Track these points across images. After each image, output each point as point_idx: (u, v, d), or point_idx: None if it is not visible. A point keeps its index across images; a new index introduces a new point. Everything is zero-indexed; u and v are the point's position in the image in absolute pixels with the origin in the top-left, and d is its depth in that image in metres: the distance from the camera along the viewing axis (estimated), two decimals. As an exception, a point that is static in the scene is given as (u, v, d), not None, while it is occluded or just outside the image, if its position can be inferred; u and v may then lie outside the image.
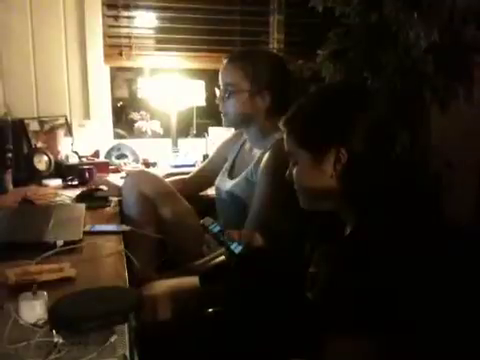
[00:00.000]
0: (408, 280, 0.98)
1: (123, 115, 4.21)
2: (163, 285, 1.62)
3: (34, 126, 2.60)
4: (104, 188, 2.02)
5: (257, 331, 1.27)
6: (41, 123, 2.64)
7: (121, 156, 2.76)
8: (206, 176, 2.10)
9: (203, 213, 1.89)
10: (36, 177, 2.34)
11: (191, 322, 1.44)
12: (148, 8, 3.09)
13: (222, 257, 1.37)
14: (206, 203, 2.07)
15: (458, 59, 2.27)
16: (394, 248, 0.99)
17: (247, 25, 3.21)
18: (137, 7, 3.04)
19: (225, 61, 1.83)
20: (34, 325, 0.95)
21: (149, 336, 1.30)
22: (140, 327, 1.14)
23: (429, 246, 1.05)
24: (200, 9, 3.07)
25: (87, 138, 2.81)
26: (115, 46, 2.99)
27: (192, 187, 2.13)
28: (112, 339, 0.90)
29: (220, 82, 1.84)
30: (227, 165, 1.99)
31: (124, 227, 1.63)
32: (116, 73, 4.04)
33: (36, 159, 2.38)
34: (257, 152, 1.82)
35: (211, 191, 2.11)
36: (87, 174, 2.31)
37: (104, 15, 2.92)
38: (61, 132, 2.66)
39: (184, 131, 3.31)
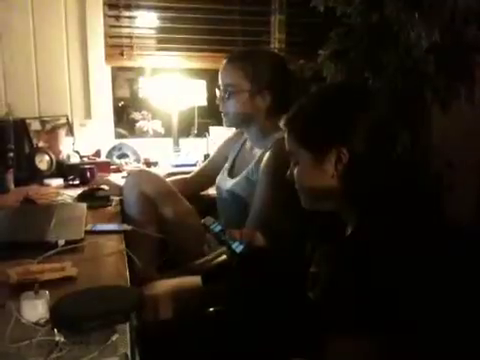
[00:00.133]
0: (409, 280, 0.98)
1: (124, 115, 4.21)
2: (164, 285, 1.62)
3: (35, 126, 2.60)
4: (105, 188, 2.02)
5: (258, 330, 1.27)
6: (42, 123, 2.64)
7: (122, 156, 2.76)
8: (207, 175, 2.11)
9: (204, 212, 1.89)
10: (37, 177, 2.35)
11: (192, 321, 1.44)
12: (149, 8, 3.09)
13: (224, 256, 1.37)
14: (207, 202, 2.08)
15: (459, 59, 2.27)
16: (395, 248, 0.99)
17: (248, 25, 3.21)
18: (138, 7, 3.04)
19: (225, 61, 1.83)
20: (36, 324, 0.95)
21: (150, 335, 1.30)
22: (141, 326, 1.14)
23: (430, 246, 1.05)
24: (201, 9, 3.07)
25: (88, 138, 2.82)
26: (116, 46, 2.99)
27: (193, 187, 2.13)
28: (113, 338, 0.90)
29: (220, 82, 1.84)
30: (228, 164, 1.99)
31: (125, 226, 1.63)
32: (117, 73, 4.04)
33: (37, 159, 2.38)
34: (258, 151, 1.82)
35: (212, 190, 2.11)
36: (88, 174, 2.32)
37: (105, 15, 2.92)
38: (62, 132, 2.66)
39: (185, 131, 3.31)
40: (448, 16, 2.19)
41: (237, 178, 1.84)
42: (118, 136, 3.23)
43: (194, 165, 2.63)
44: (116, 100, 3.71)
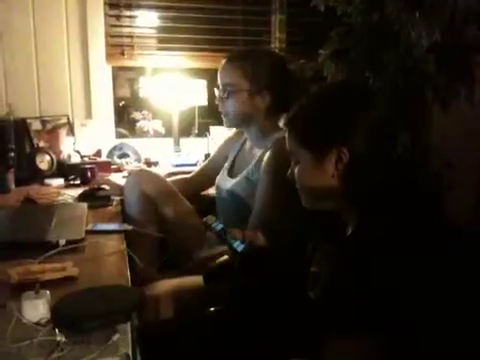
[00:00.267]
0: (409, 280, 0.98)
1: (125, 114, 4.22)
2: (165, 284, 1.62)
3: (36, 125, 2.60)
4: (106, 187, 2.02)
5: (259, 330, 1.27)
6: (43, 122, 2.64)
7: (123, 155, 2.76)
8: (207, 175, 2.11)
9: (204, 212, 1.89)
10: (38, 176, 2.35)
11: (193, 321, 1.44)
12: (150, 7, 3.09)
13: (226, 256, 1.37)
14: (207, 202, 2.08)
15: (459, 59, 2.27)
16: (395, 248, 0.99)
17: (249, 25, 3.21)
18: (139, 6, 3.05)
19: (224, 61, 1.83)
20: (37, 324, 0.95)
21: (151, 335, 1.30)
22: (142, 326, 1.14)
23: (430, 246, 1.05)
24: (202, 9, 3.07)
25: (89, 137, 2.81)
26: (117, 45, 2.99)
27: (193, 186, 2.13)
28: (114, 338, 0.90)
29: (219, 82, 1.84)
30: (227, 164, 1.99)
31: (126, 226, 1.63)
32: (118, 72, 4.04)
33: (38, 158, 2.38)
34: (258, 151, 1.82)
35: (212, 190, 2.11)
36: (89, 173, 2.32)
37: (106, 14, 2.92)
38: (63, 131, 2.67)
39: (186, 130, 3.32)
40: (448, 16, 2.19)
41: (237, 178, 1.85)
42: (119, 136, 3.23)
43: (195, 165, 2.63)
44: (117, 100, 3.71)
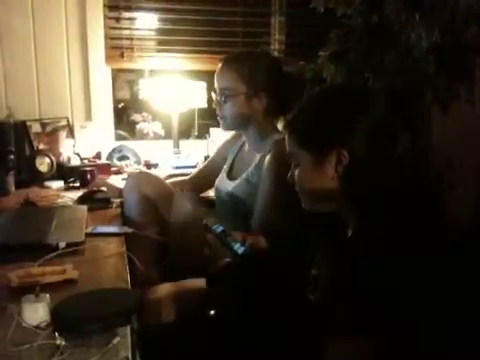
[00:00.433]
0: (409, 281, 0.98)
1: (124, 117, 4.22)
2: (166, 288, 1.62)
3: (36, 128, 2.60)
4: (104, 189, 2.02)
5: (259, 333, 1.27)
6: (43, 125, 2.64)
7: (123, 158, 2.76)
8: (206, 177, 2.10)
9: (204, 214, 1.89)
10: (38, 179, 2.35)
11: (194, 324, 1.44)
12: (149, 10, 3.10)
13: (227, 259, 1.37)
14: (206, 204, 2.07)
15: (459, 60, 2.28)
16: (395, 249, 0.99)
17: (248, 26, 3.21)
18: (138, 9, 3.05)
19: (220, 65, 1.82)
20: (37, 327, 0.95)
21: (151, 338, 1.30)
22: (142, 329, 1.14)
23: (430, 246, 1.05)
24: (201, 10, 3.08)
25: (89, 140, 2.82)
26: (116, 48, 3.00)
27: (192, 188, 2.12)
28: (115, 341, 0.90)
29: (216, 86, 1.84)
30: (226, 166, 1.99)
31: (126, 229, 1.63)
32: (117, 74, 4.04)
33: (38, 161, 2.38)
34: (257, 153, 1.82)
35: (211, 192, 2.11)
36: (89, 176, 2.32)
37: (105, 17, 2.92)
38: (63, 134, 2.66)
39: (186, 132, 3.32)
40: (448, 17, 2.19)
41: (237, 180, 1.84)
42: (118, 138, 3.23)
43: (194, 167, 2.62)
44: (116, 102, 3.71)
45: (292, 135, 1.17)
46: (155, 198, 1.85)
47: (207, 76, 3.12)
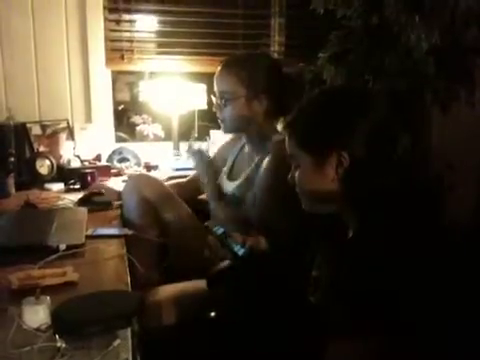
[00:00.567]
0: (409, 282, 0.98)
1: (125, 118, 4.21)
2: (167, 290, 1.62)
3: (36, 130, 2.60)
4: (102, 191, 2.02)
5: (260, 335, 1.27)
6: (43, 127, 2.64)
7: (123, 159, 2.76)
8: None
9: (202, 216, 1.89)
10: (38, 181, 2.34)
11: (194, 326, 1.44)
12: (149, 12, 3.10)
13: (228, 260, 1.37)
14: (204, 206, 2.07)
15: (459, 61, 2.28)
16: (395, 250, 0.99)
17: (248, 28, 3.21)
18: (138, 11, 3.05)
19: (219, 68, 1.82)
20: (37, 330, 0.95)
21: (152, 340, 1.30)
22: (143, 331, 1.14)
23: (430, 248, 1.05)
24: (201, 13, 3.08)
25: (89, 142, 2.81)
26: (117, 50, 3.00)
27: (190, 190, 2.11)
28: (115, 343, 0.90)
29: (215, 89, 1.84)
30: (226, 167, 1.99)
31: (126, 231, 1.63)
32: (117, 76, 4.04)
33: (38, 163, 2.38)
34: (257, 155, 1.82)
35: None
36: (89, 178, 2.32)
37: (106, 19, 2.92)
38: (63, 136, 2.66)
39: (186, 134, 3.31)
40: (448, 18, 2.19)
41: (238, 181, 1.85)
42: (118, 140, 3.23)
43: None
44: (116, 104, 3.71)
45: (292, 137, 1.18)
46: (155, 200, 1.85)
47: (207, 78, 3.12)
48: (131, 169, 2.69)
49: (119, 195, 1.96)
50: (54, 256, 1.33)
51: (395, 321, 0.95)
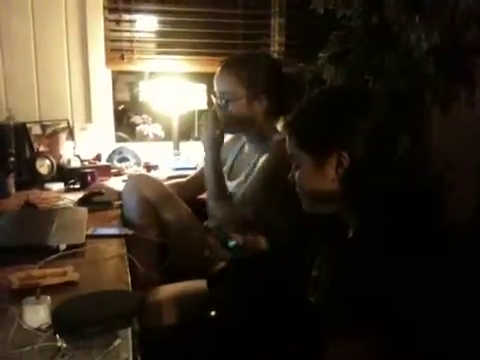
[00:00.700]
0: (409, 282, 0.98)
1: (125, 118, 4.21)
2: (167, 290, 1.62)
3: (36, 130, 2.60)
4: (102, 191, 2.02)
5: (260, 334, 1.27)
6: (43, 127, 2.64)
7: (123, 159, 2.76)
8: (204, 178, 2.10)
9: (201, 216, 1.89)
10: (38, 181, 2.35)
11: (195, 326, 1.44)
12: (149, 12, 3.10)
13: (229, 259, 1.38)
14: (204, 206, 2.07)
15: (459, 61, 2.28)
16: (396, 251, 0.99)
17: (248, 28, 3.21)
18: (138, 11, 3.05)
19: (218, 69, 1.82)
20: (38, 329, 0.95)
21: (153, 340, 1.30)
22: (143, 331, 1.14)
23: (430, 248, 1.05)
24: (201, 13, 3.07)
25: (89, 142, 2.81)
26: (117, 50, 2.99)
27: (189, 191, 2.11)
28: (116, 343, 0.90)
29: (215, 89, 1.84)
30: (226, 167, 1.99)
31: (126, 231, 1.63)
32: (117, 76, 4.04)
33: (38, 163, 2.38)
34: (257, 154, 1.83)
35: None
36: (89, 178, 2.32)
37: (106, 19, 2.92)
38: (63, 136, 2.67)
39: (186, 134, 3.32)
40: (448, 18, 2.19)
41: (237, 180, 1.85)
42: (118, 140, 3.23)
43: (194, 168, 2.62)
44: (116, 104, 3.71)
45: (292, 137, 1.18)
46: (155, 200, 1.85)
47: (207, 78, 3.12)
48: (131, 169, 2.69)
49: (119, 195, 1.96)
50: (54, 256, 1.33)
51: (395, 321, 0.95)
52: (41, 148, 2.55)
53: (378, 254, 0.98)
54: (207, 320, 1.40)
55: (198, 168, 2.37)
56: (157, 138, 3.26)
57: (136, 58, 3.02)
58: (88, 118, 2.92)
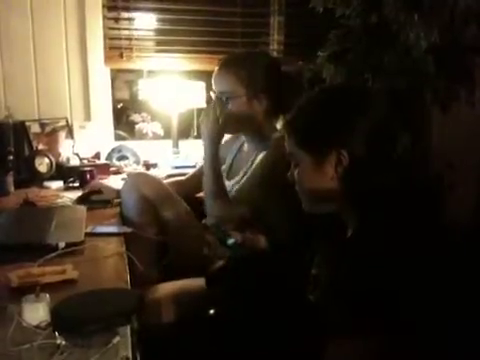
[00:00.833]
0: (409, 281, 0.98)
1: (124, 117, 4.21)
2: (166, 287, 1.62)
3: (35, 128, 2.60)
4: (102, 190, 2.02)
5: (259, 333, 1.27)
6: (42, 125, 2.64)
7: (122, 158, 2.76)
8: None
9: (200, 214, 1.89)
10: (37, 179, 2.35)
11: (194, 324, 1.44)
12: (148, 10, 3.10)
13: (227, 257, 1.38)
14: (202, 204, 2.07)
15: (459, 60, 2.28)
16: (395, 249, 0.99)
17: (247, 27, 3.21)
18: (137, 9, 3.05)
19: (217, 68, 1.82)
20: (37, 327, 0.95)
21: (152, 338, 1.30)
22: (142, 329, 1.14)
23: (430, 247, 1.05)
24: (200, 11, 3.07)
25: (88, 140, 2.81)
26: (116, 48, 2.99)
27: (188, 189, 2.11)
28: (115, 341, 0.90)
29: (214, 89, 1.84)
30: (225, 166, 1.99)
31: (126, 229, 1.63)
32: (116, 74, 4.04)
33: (37, 161, 2.38)
34: (256, 153, 1.83)
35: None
36: (88, 176, 2.32)
37: (104, 17, 2.92)
38: (62, 134, 2.67)
39: (185, 132, 3.31)
40: (447, 16, 2.19)
41: (236, 178, 1.85)
42: (118, 138, 3.23)
43: (193, 167, 2.61)
44: (115, 102, 3.70)
45: (291, 135, 1.18)
46: (154, 198, 1.85)
47: (206, 76, 3.12)
48: (130, 167, 2.69)
49: (118, 193, 1.96)
50: (53, 254, 1.33)
51: (395, 320, 0.95)
52: (40, 146, 2.55)
53: (377, 253, 0.98)
54: (206, 318, 1.40)
55: (197, 166, 2.37)
56: (156, 136, 3.26)
57: (135, 56, 3.02)
58: (87, 116, 2.92)
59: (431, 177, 2.38)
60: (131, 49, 3.01)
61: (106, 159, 2.74)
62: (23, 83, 2.78)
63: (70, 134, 2.75)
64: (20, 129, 2.49)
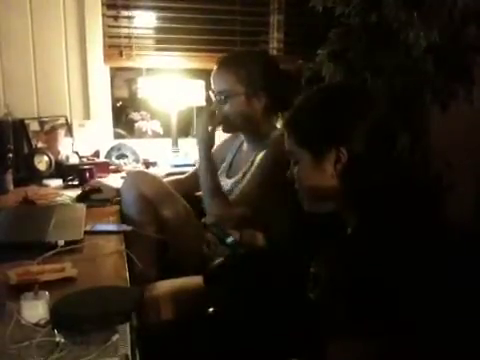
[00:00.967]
0: (409, 280, 0.98)
1: (123, 115, 4.21)
2: (165, 285, 1.62)
3: (34, 126, 2.60)
4: (101, 188, 2.02)
5: (258, 331, 1.27)
6: (41, 123, 2.64)
7: (121, 156, 2.76)
8: None
9: (199, 213, 1.89)
10: (36, 177, 2.35)
11: (193, 322, 1.44)
12: (148, 8, 3.09)
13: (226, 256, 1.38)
14: (201, 202, 2.07)
15: (458, 59, 2.28)
16: (395, 248, 0.99)
17: (247, 25, 3.20)
18: (137, 7, 3.04)
19: (216, 67, 1.82)
20: (36, 325, 0.95)
21: (151, 336, 1.30)
22: (142, 327, 1.14)
23: (430, 246, 1.05)
24: (199, 9, 3.07)
25: (87, 138, 2.81)
26: (115, 46, 2.99)
27: (187, 187, 2.11)
28: (114, 338, 0.90)
29: (213, 88, 1.83)
30: (225, 164, 1.99)
31: (125, 227, 1.63)
32: (116, 73, 4.03)
33: (36, 159, 2.38)
34: (256, 152, 1.83)
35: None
36: (87, 174, 2.32)
37: (104, 15, 2.91)
38: (61, 132, 2.66)
39: (184, 131, 3.31)
40: (447, 16, 2.19)
41: (236, 177, 1.85)
42: (117, 136, 3.23)
43: (193, 165, 2.62)
44: (115, 100, 3.70)
45: (291, 134, 1.18)
46: (153, 197, 1.85)
47: (205, 74, 3.11)
48: (130, 165, 2.69)
49: (117, 192, 1.96)
50: (53, 252, 1.33)
51: (395, 319, 0.95)
52: (39, 144, 2.55)
53: (377, 251, 0.98)
54: (205, 316, 1.40)
55: (197, 165, 2.37)
56: (156, 135, 3.26)
57: (134, 54, 3.02)
58: (86, 115, 2.91)
59: (430, 176, 2.38)
60: (130, 47, 3.01)
61: (105, 157, 2.73)
62: (22, 81, 2.77)
63: (69, 132, 2.75)
64: (19, 127, 2.49)
